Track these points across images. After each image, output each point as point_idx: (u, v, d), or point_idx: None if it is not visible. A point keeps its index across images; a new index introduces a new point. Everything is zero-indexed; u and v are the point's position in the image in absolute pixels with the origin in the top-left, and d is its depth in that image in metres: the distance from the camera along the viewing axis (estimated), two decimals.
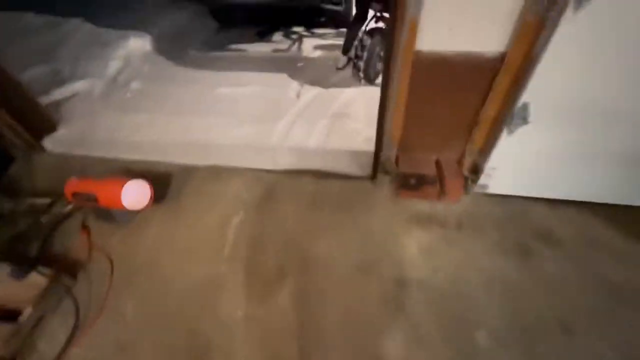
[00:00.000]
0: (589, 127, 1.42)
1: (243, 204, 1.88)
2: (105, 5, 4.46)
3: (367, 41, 2.51)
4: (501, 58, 1.35)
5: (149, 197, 1.68)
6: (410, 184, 1.79)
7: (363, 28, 2.71)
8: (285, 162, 2.13)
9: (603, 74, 1.24)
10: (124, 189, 1.50)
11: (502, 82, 1.38)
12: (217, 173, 2.08)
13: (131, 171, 2.11)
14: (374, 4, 2.44)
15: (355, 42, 2.75)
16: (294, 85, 2.90)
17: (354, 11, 3.84)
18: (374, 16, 2.69)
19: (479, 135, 1.61)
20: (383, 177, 1.92)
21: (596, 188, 1.66)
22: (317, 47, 3.51)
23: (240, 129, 2.40)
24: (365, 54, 2.54)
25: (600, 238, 1.63)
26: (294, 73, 3.06)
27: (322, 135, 2.34)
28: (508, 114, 1.41)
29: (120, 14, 4.17)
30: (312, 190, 1.93)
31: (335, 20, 3.92)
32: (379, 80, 2.93)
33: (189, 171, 2.11)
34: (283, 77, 3.01)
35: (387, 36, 1.32)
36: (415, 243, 1.64)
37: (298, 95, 2.76)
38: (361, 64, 2.60)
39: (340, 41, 3.64)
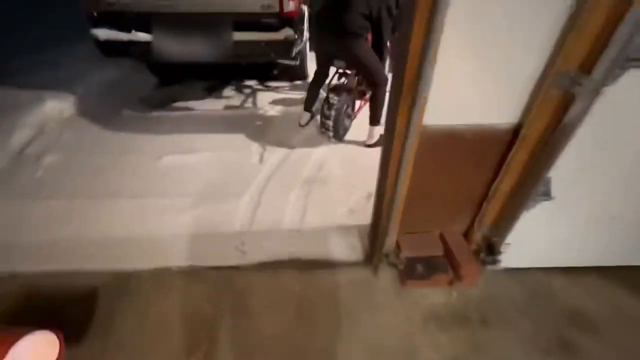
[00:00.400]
0: (613, 196, 1.27)
1: (208, 327, 1.38)
2: (16, 60, 3.79)
3: (334, 99, 2.30)
4: (515, 130, 1.16)
5: (57, 353, 1.11)
6: (418, 271, 1.48)
7: (327, 84, 2.54)
8: (256, 252, 1.69)
9: (632, 143, 1.11)
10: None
11: (519, 156, 1.19)
12: (166, 280, 1.57)
13: (34, 293, 1.50)
14: (337, 61, 2.27)
15: (320, 99, 2.56)
16: (255, 147, 2.55)
17: (308, 64, 3.75)
18: (337, 73, 2.54)
19: (491, 210, 1.39)
20: (380, 260, 1.59)
21: (613, 252, 1.51)
22: (273, 103, 3.25)
23: (193, 212, 1.92)
24: (333, 113, 2.32)
25: (632, 311, 1.45)
26: (253, 133, 2.72)
27: (297, 209, 1.97)
28: (529, 191, 1.20)
29: (37, 71, 3.54)
30: (298, 292, 1.51)
31: (289, 74, 3.76)
32: (347, 136, 2.75)
33: (124, 281, 1.55)
34: (241, 139, 2.65)
35: (391, 113, 1.06)
36: (440, 356, 1.29)
37: (261, 160, 2.40)
38: (330, 123, 2.37)
39: (297, 94, 3.48)
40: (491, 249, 1.43)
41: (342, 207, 1.98)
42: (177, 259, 1.65)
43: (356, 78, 2.53)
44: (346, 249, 1.71)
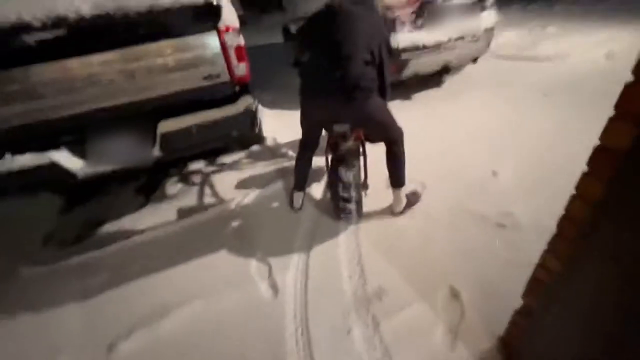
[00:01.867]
0: None
1: None
2: None
3: (349, 176, 1.70)
4: None
5: None
6: None
7: (328, 162, 1.89)
8: None
9: None
10: None
11: None
12: None
13: None
14: (338, 126, 1.69)
15: (313, 172, 1.93)
16: (254, 267, 1.77)
17: (263, 127, 3.09)
18: (331, 139, 1.93)
19: None
20: None
21: None
22: (241, 186, 2.51)
23: None
24: (354, 194, 1.72)
25: None
26: (238, 244, 1.94)
27: (377, 358, 1.28)
28: None
29: None
30: None
31: (242, 142, 3.05)
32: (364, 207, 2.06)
33: None
34: (227, 261, 1.84)
35: None
36: None
37: (275, 289, 1.64)
38: (352, 206, 1.76)
39: (265, 166, 2.76)
40: None
41: (434, 330, 1.36)
42: None
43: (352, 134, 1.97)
44: None
